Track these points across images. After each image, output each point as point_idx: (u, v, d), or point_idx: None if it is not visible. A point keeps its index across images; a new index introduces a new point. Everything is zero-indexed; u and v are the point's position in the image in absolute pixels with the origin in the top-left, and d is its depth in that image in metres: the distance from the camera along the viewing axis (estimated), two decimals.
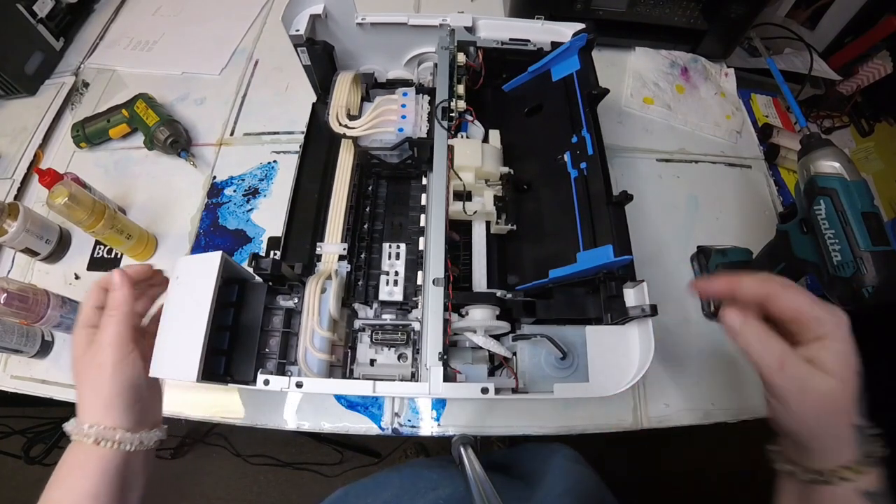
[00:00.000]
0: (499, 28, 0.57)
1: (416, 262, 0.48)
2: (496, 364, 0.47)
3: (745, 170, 0.73)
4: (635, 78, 0.79)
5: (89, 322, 0.37)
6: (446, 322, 0.41)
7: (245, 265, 0.43)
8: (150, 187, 0.73)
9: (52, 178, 0.61)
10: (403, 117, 0.50)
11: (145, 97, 0.74)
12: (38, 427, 1.22)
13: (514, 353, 0.46)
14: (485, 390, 0.38)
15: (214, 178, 0.72)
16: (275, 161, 0.73)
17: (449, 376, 0.39)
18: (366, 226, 0.52)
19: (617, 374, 0.40)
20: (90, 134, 0.74)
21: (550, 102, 0.56)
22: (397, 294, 0.48)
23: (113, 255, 0.67)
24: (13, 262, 0.69)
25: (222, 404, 0.57)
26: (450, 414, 0.56)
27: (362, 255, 0.51)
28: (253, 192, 0.70)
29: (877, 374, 0.32)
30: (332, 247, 0.50)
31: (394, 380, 0.43)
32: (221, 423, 0.57)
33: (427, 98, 0.52)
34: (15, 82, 0.80)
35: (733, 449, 1.20)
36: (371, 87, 0.60)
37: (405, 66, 0.63)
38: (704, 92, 0.79)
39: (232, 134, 0.76)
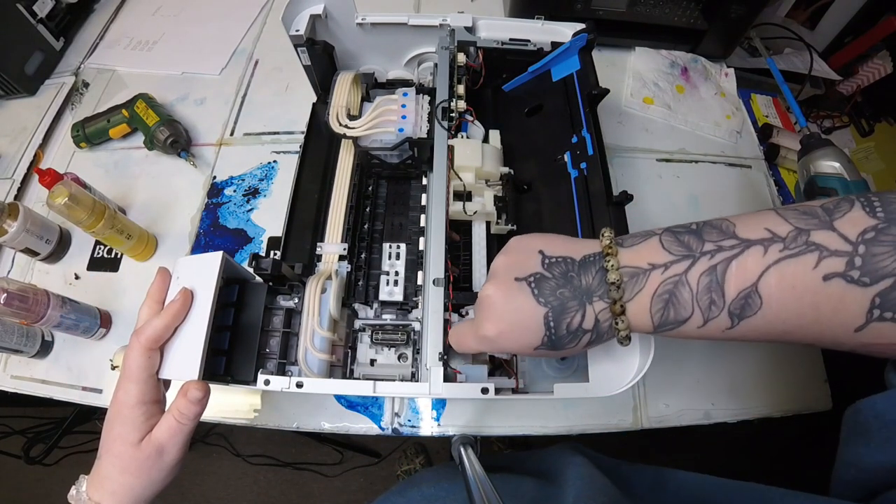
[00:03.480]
0: (499, 28, 0.57)
1: (416, 262, 0.48)
2: (496, 364, 0.47)
3: (745, 170, 0.73)
4: (635, 78, 0.79)
5: (150, 396, 0.35)
6: (446, 322, 0.41)
7: (245, 265, 0.43)
8: (150, 187, 0.73)
9: (52, 178, 0.61)
10: (403, 117, 0.50)
11: (145, 97, 0.74)
12: (38, 427, 1.22)
13: (515, 354, 0.46)
14: (485, 390, 0.38)
15: (214, 178, 0.72)
16: (275, 161, 0.73)
17: (449, 376, 0.39)
18: (366, 226, 0.52)
19: (617, 375, 0.40)
20: (90, 134, 0.74)
21: (550, 102, 0.56)
22: (397, 294, 0.48)
23: (113, 255, 0.67)
24: (13, 262, 0.69)
25: (228, 404, 0.58)
26: (450, 414, 0.56)
27: (362, 255, 0.51)
28: (253, 192, 0.70)
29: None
30: (332, 247, 0.50)
31: (394, 380, 0.43)
32: (223, 423, 0.57)
33: (427, 98, 0.52)
34: (15, 82, 0.80)
35: (733, 449, 1.21)
36: (371, 87, 0.60)
37: (405, 66, 0.63)
38: (704, 92, 0.79)
39: (232, 134, 0.76)
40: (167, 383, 0.39)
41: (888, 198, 0.24)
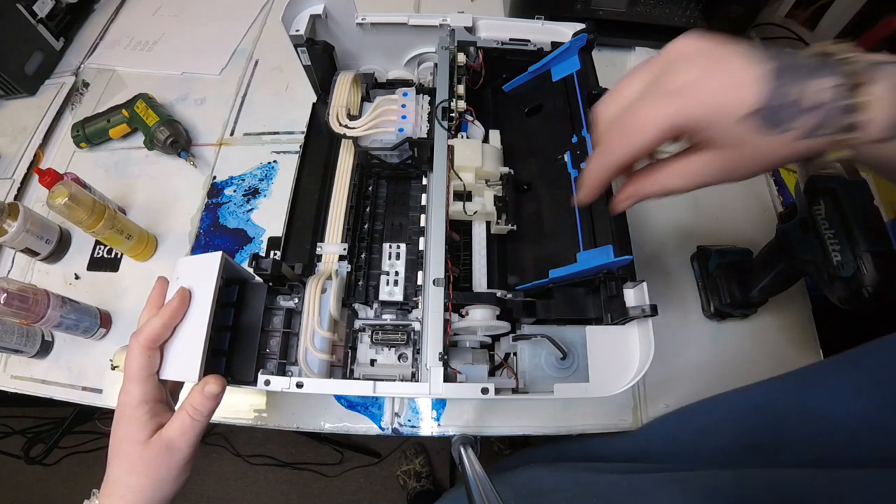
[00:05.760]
0: (499, 28, 0.57)
1: (416, 262, 0.48)
2: (496, 364, 0.47)
3: None
4: None
5: (152, 395, 0.34)
6: (446, 322, 0.41)
7: (245, 265, 0.43)
8: (150, 187, 0.73)
9: (52, 178, 0.61)
10: (403, 117, 0.50)
11: (145, 97, 0.74)
12: (38, 427, 1.22)
13: (514, 353, 0.46)
14: (485, 390, 0.38)
15: (214, 178, 0.72)
16: (275, 161, 0.73)
17: (449, 376, 0.39)
18: (366, 226, 0.52)
19: (617, 374, 0.40)
20: (90, 134, 0.74)
21: (550, 102, 0.56)
22: (397, 294, 0.48)
23: (113, 255, 0.67)
24: (13, 262, 0.69)
25: (228, 404, 0.57)
26: (450, 414, 0.56)
27: (362, 256, 0.51)
28: (253, 192, 0.70)
29: None
30: (332, 247, 0.50)
31: (394, 380, 0.43)
32: (223, 423, 0.57)
33: (427, 98, 0.52)
34: (15, 82, 0.80)
35: None
36: (371, 87, 0.60)
37: (405, 66, 0.63)
38: None
39: (232, 134, 0.76)
40: (177, 391, 0.39)
41: None
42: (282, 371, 0.43)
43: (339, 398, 0.57)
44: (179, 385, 0.40)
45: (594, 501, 0.40)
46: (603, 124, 0.29)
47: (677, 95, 0.24)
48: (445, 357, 0.39)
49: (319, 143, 0.58)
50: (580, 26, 0.55)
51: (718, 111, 0.24)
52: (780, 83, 0.23)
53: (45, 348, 0.62)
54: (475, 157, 0.50)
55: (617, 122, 0.27)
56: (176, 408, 0.36)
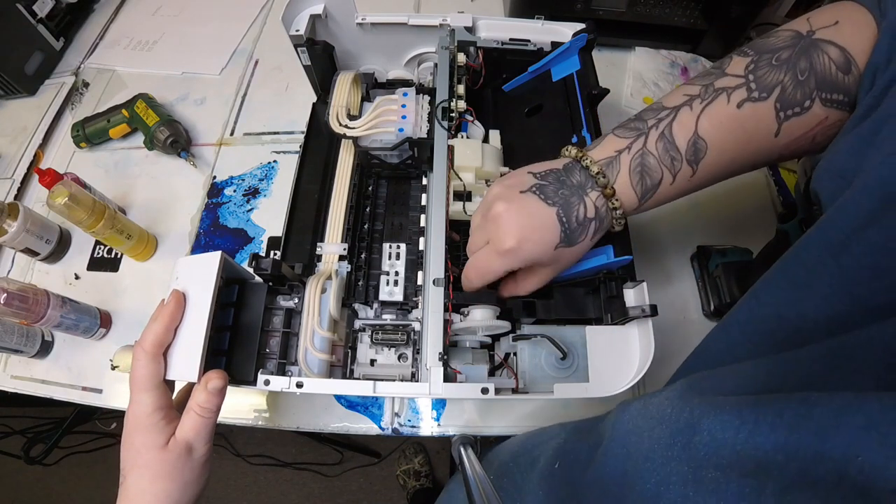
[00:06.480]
0: (499, 28, 0.57)
1: (416, 262, 0.48)
2: (496, 364, 0.47)
3: None
4: (635, 78, 0.79)
5: (164, 402, 0.34)
6: (446, 322, 0.41)
7: (245, 265, 0.43)
8: (150, 187, 0.73)
9: (52, 178, 0.61)
10: (403, 117, 0.50)
11: (145, 97, 0.74)
12: (38, 427, 1.22)
13: (514, 353, 0.46)
14: (485, 390, 0.38)
15: (214, 178, 0.72)
16: (275, 161, 0.73)
17: (449, 376, 0.39)
18: (366, 226, 0.52)
19: (617, 374, 0.40)
20: (90, 134, 0.74)
21: (550, 102, 0.56)
22: (397, 294, 0.48)
23: (113, 255, 0.67)
24: (13, 262, 0.69)
25: (229, 404, 0.57)
26: (450, 414, 0.56)
27: (362, 256, 0.51)
28: (253, 192, 0.70)
29: None
30: (332, 247, 0.50)
31: (394, 380, 0.43)
32: (223, 423, 0.57)
33: (427, 98, 0.52)
34: (15, 82, 0.80)
35: None
36: (371, 87, 0.60)
37: (405, 66, 0.63)
38: None
39: (232, 134, 0.76)
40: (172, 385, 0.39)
41: (756, 42, 0.34)
42: (282, 371, 0.43)
43: (339, 398, 0.57)
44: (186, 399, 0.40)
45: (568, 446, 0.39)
46: (470, 254, 0.42)
47: (509, 254, 0.36)
48: (445, 357, 0.39)
49: (319, 143, 0.58)
50: (580, 26, 0.55)
51: (539, 255, 0.36)
52: (566, 217, 0.36)
53: (45, 348, 0.62)
54: (475, 157, 0.49)
55: (474, 265, 0.39)
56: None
